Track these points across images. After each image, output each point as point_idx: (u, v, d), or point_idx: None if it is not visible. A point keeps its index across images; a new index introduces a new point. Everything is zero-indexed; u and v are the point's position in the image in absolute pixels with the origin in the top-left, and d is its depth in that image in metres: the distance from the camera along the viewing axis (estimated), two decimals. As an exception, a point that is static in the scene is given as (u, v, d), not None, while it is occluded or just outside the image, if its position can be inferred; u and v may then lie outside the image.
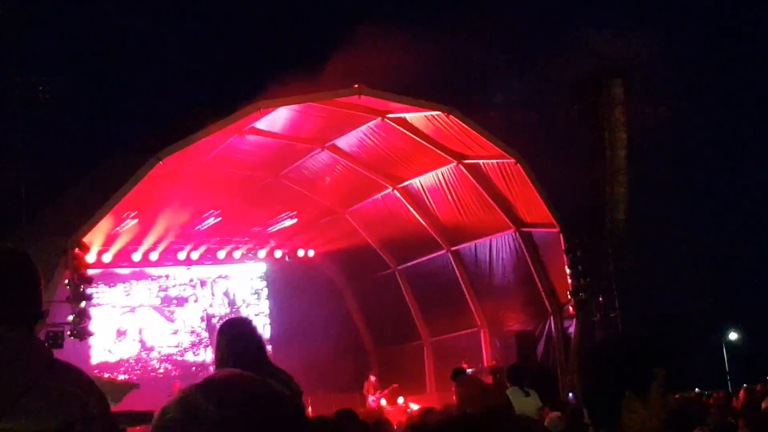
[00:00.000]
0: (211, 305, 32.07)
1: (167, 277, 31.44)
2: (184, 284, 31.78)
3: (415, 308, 31.76)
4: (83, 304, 21.72)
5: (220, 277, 32.42)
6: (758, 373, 25.73)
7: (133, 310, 30.73)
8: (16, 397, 2.56)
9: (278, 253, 32.26)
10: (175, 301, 31.59)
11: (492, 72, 29.31)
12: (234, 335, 5.84)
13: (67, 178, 27.63)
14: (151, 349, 30.83)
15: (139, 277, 30.83)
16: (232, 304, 32.43)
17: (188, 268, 31.43)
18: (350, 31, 26.84)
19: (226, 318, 6.43)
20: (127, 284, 30.54)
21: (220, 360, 5.71)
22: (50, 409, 2.62)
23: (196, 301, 31.89)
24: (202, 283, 32.12)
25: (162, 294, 31.41)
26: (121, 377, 29.23)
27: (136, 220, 27.45)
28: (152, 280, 31.14)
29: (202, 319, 31.83)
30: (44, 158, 26.85)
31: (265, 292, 33.25)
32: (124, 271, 30.19)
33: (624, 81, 27.66)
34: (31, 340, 2.82)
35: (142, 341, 30.73)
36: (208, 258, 31.48)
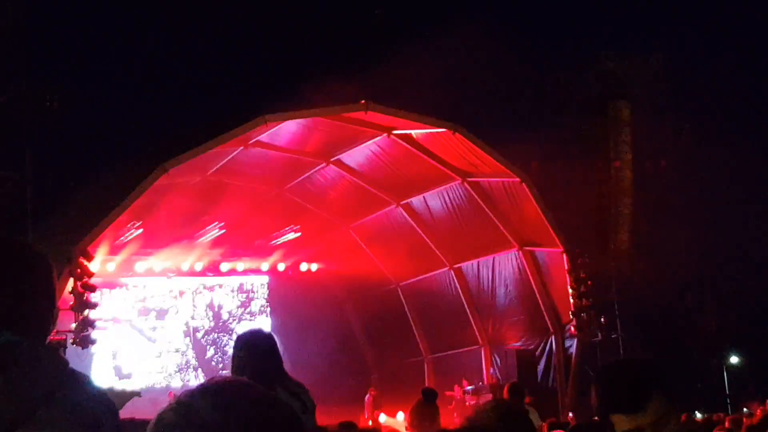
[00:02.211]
0: (192, 317, 31.90)
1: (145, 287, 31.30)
2: (164, 295, 31.59)
3: (417, 324, 31.73)
4: (87, 312, 21.75)
5: (205, 288, 32.32)
6: (758, 397, 25.66)
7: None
8: (33, 409, 2.53)
9: (281, 267, 32.26)
10: (154, 314, 31.40)
11: (499, 92, 29.35)
12: (251, 346, 5.87)
13: (72, 187, 27.71)
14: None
15: (112, 286, 30.21)
16: (217, 317, 32.27)
17: (168, 278, 31.25)
18: (358, 46, 26.98)
19: (247, 329, 6.48)
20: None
21: (238, 369, 5.73)
22: (66, 423, 2.59)
23: (177, 313, 31.75)
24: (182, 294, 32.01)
25: (139, 305, 31.18)
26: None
27: (141, 230, 27.46)
28: (127, 289, 30.97)
29: (186, 334, 31.71)
30: (50, 167, 26.94)
31: (259, 303, 33.18)
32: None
33: (630, 103, 27.74)
34: (47, 349, 2.79)
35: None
36: (211, 270, 31.49)
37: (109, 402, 2.79)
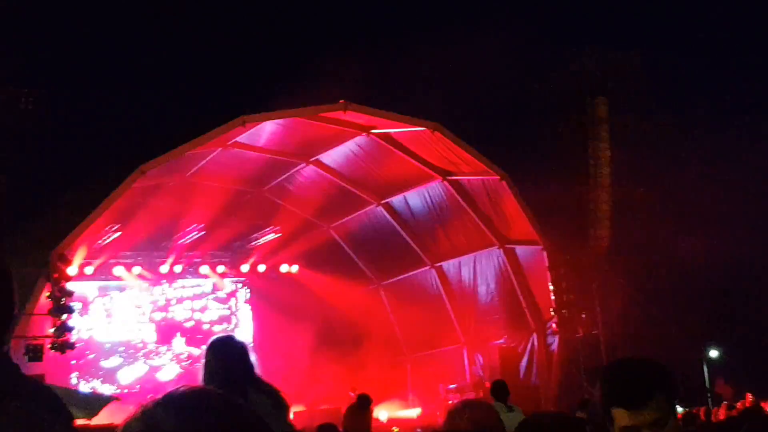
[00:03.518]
0: (173, 320, 31.78)
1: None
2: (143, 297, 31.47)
3: (398, 324, 31.74)
4: (64, 317, 21.61)
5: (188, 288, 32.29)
6: (738, 391, 25.75)
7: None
8: None
9: (262, 268, 32.18)
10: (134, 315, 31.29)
11: (477, 90, 29.35)
12: (221, 351, 5.89)
13: (49, 190, 27.54)
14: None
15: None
16: (196, 320, 32.18)
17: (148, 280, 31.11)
18: (337, 46, 26.93)
19: (218, 336, 6.54)
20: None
21: (209, 374, 5.73)
22: (12, 431, 2.53)
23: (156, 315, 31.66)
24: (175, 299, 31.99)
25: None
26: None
27: (119, 233, 27.35)
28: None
29: (165, 336, 31.61)
30: (26, 170, 26.75)
31: (239, 305, 33.13)
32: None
33: (609, 99, 27.79)
34: None
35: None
36: (191, 272, 31.38)
37: (65, 411, 2.72)
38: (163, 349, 31.35)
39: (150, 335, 31.27)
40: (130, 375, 30.42)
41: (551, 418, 4.01)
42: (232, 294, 32.89)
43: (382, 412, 27.87)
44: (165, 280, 31.26)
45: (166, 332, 31.53)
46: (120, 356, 30.51)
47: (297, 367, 29.43)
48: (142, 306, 31.28)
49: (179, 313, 31.86)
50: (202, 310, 32.30)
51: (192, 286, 32.19)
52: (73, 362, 29.09)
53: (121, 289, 30.76)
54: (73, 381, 28.99)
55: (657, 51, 30.91)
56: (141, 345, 30.96)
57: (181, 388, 1.74)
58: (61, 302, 21.51)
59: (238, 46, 33.35)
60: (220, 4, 33.60)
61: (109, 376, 30.02)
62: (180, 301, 31.98)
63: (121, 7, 32.68)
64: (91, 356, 29.89)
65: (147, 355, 31.00)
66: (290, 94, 24.94)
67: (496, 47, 28.10)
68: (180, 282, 31.73)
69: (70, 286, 22.48)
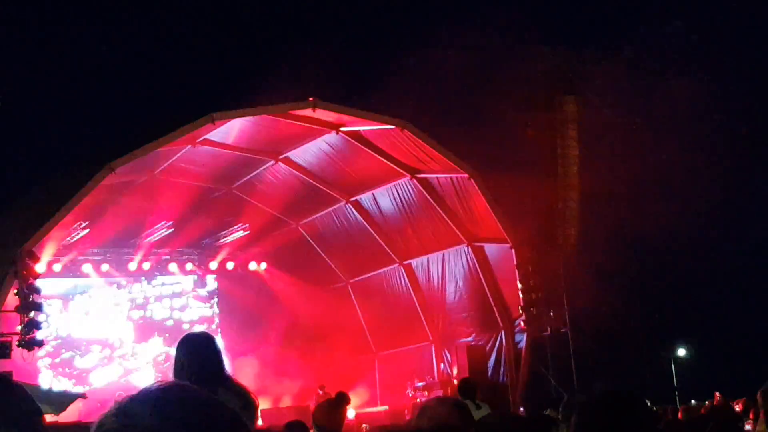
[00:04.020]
0: (141, 317, 31.63)
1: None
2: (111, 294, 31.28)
3: (367, 321, 31.78)
4: (32, 313, 21.49)
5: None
6: (706, 389, 25.95)
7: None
8: None
9: (230, 265, 32.13)
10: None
11: (446, 88, 29.39)
12: (193, 348, 5.87)
13: (17, 187, 27.39)
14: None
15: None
16: (164, 317, 32.04)
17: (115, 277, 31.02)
18: (306, 43, 26.91)
19: (188, 332, 6.48)
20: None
21: (179, 371, 5.73)
22: None
23: (124, 312, 31.45)
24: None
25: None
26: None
27: (87, 230, 27.22)
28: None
29: (136, 335, 31.43)
30: (-6, 167, 26.61)
31: (208, 303, 33.02)
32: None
33: (577, 98, 27.91)
34: None
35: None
36: (159, 269, 31.30)
37: (33, 407, 2.73)
38: (140, 348, 31.18)
39: (127, 334, 31.11)
40: (103, 377, 30.20)
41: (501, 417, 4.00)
42: (200, 291, 32.78)
43: (350, 410, 27.89)
44: (144, 278, 31.20)
45: (144, 331, 31.38)
46: (95, 355, 30.36)
47: (264, 364, 29.38)
48: (120, 304, 31.13)
49: (158, 312, 31.73)
50: (182, 309, 32.18)
51: (171, 284, 32.08)
52: (48, 360, 29.04)
53: (98, 287, 30.60)
54: (46, 379, 28.82)
55: (629, 48, 31.07)
56: (118, 344, 30.81)
57: (156, 384, 1.74)
58: (29, 299, 21.38)
59: (207, 43, 33.28)
60: (190, 3, 33.50)
61: (82, 377, 29.79)
62: (159, 299, 31.85)
63: (91, 7, 32.52)
64: (66, 354, 29.77)
65: (123, 357, 30.85)
66: (260, 92, 24.89)
67: (465, 45, 28.18)
68: (159, 279, 31.65)
69: (45, 283, 22.36)
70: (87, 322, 30.31)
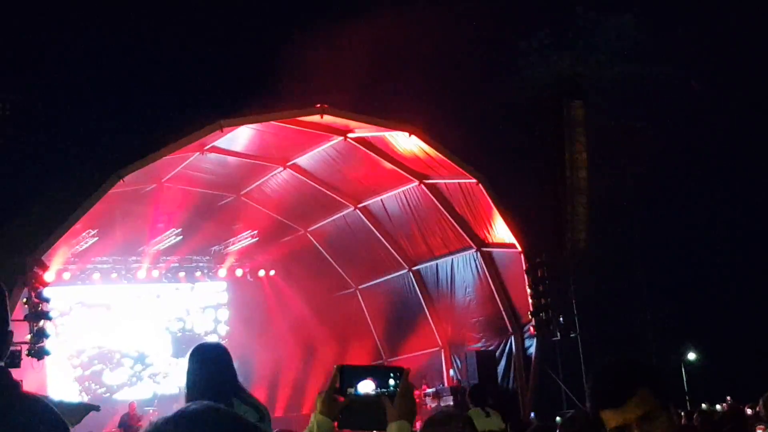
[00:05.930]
0: (151, 325, 31.64)
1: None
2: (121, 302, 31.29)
3: (376, 327, 31.72)
4: (42, 322, 21.49)
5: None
6: (716, 393, 25.89)
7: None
8: None
9: (239, 272, 32.14)
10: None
11: (454, 92, 29.37)
12: (205, 360, 5.80)
13: (26, 196, 27.39)
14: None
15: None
16: (175, 325, 32.05)
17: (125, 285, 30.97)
18: (313, 50, 26.91)
19: (200, 343, 6.43)
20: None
21: (192, 384, 5.67)
22: None
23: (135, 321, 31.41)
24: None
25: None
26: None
27: (96, 239, 27.25)
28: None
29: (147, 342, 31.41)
30: (3, 175, 26.62)
31: (224, 310, 33.04)
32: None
33: (584, 102, 27.87)
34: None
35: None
36: (168, 277, 31.32)
37: (61, 424, 2.73)
38: (150, 358, 31.14)
39: (140, 343, 31.10)
40: (130, 395, 29.93)
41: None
42: (210, 298, 32.80)
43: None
44: (142, 285, 31.19)
45: (155, 340, 31.37)
46: (125, 371, 30.33)
47: (273, 372, 29.39)
48: (131, 312, 31.13)
49: (157, 319, 31.73)
50: (179, 315, 32.19)
51: (169, 291, 32.06)
52: (79, 371, 29.05)
53: (107, 295, 30.59)
54: (74, 392, 28.75)
55: (634, 52, 31.05)
56: (130, 353, 30.79)
57: (192, 405, 1.74)
58: (39, 308, 21.39)
59: (215, 50, 33.29)
60: (197, 9, 33.51)
61: (104, 397, 29.53)
62: (173, 307, 31.86)
63: (99, 14, 32.55)
64: (97, 367, 29.74)
65: (134, 366, 30.83)
66: (268, 99, 24.90)
67: (473, 49, 28.17)
68: (157, 287, 31.62)
69: (54, 292, 22.36)
70: (121, 331, 30.30)
